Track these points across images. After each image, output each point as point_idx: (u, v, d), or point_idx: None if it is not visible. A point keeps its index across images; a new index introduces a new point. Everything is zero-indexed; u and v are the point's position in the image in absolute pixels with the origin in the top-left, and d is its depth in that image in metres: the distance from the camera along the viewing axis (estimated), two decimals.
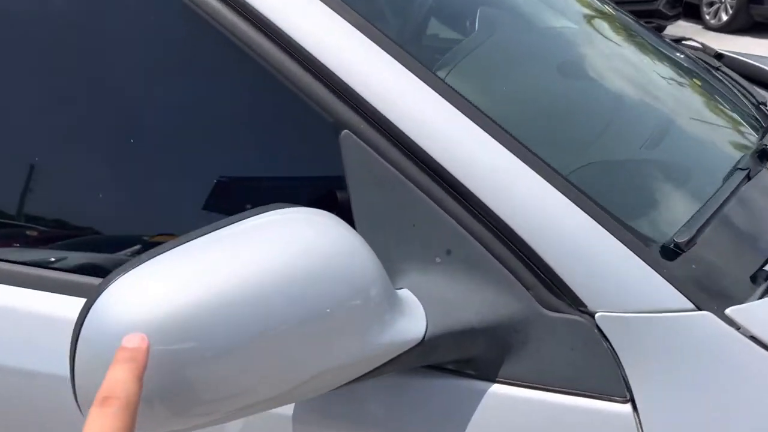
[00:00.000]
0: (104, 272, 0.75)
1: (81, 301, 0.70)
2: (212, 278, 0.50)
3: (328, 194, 0.71)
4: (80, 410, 0.50)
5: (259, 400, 0.53)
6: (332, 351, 0.55)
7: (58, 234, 0.80)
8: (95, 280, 0.73)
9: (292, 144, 0.73)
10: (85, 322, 0.48)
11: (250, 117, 0.74)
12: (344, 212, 0.64)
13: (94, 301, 0.49)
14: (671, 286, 0.63)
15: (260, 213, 0.57)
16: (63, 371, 0.68)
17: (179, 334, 0.49)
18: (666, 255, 0.67)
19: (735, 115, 1.07)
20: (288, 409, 0.66)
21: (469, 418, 0.63)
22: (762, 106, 1.13)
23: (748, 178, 0.83)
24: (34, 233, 0.82)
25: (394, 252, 0.66)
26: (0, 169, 0.79)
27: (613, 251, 0.64)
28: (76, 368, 0.48)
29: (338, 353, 0.55)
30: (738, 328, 0.62)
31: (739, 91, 1.19)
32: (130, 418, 0.40)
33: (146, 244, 0.75)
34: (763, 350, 0.61)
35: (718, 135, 1.00)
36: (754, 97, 1.16)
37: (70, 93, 0.77)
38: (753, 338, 0.62)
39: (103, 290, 0.50)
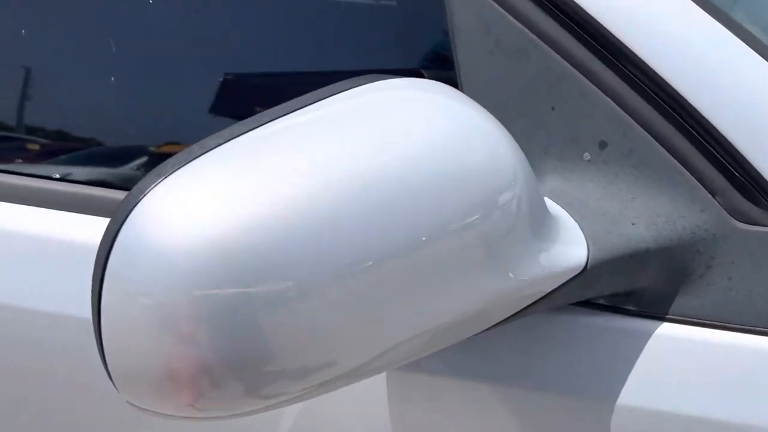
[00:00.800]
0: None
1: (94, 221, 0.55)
2: (302, 183, 0.32)
3: (425, 64, 0.52)
4: (114, 384, 0.33)
5: (365, 363, 0.37)
6: (454, 293, 0.38)
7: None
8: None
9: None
10: (110, 258, 0.31)
11: None
12: None
13: (122, 223, 0.31)
14: None
15: (348, 87, 0.38)
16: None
17: (248, 270, 0.31)
18: None
19: None
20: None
21: (630, 368, 0.47)
22: None
23: None
24: (36, 145, 0.70)
25: (525, 147, 0.47)
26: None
27: None
28: (104, 329, 0.31)
29: (462, 296, 0.39)
30: None
31: None
32: None
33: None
34: None
35: None
36: None
37: None
38: None
39: (135, 205, 0.32)
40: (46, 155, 0.71)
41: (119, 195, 0.56)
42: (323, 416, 0.51)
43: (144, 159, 0.66)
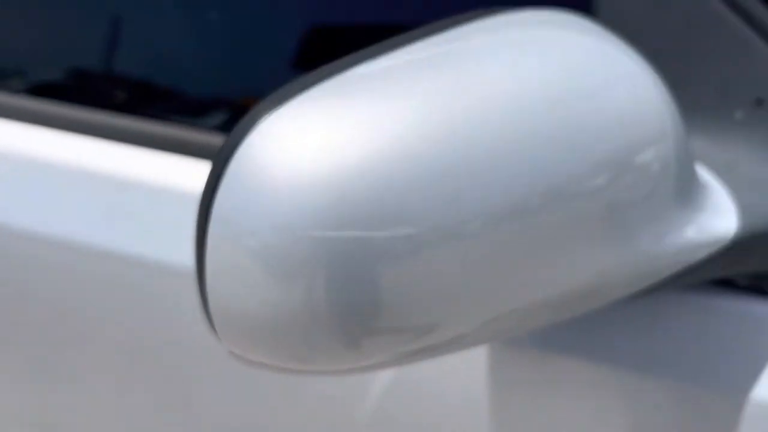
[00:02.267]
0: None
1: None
2: (431, 120, 0.29)
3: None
4: (215, 333, 0.31)
5: (463, 332, 0.33)
6: (589, 255, 0.34)
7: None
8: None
9: None
10: (216, 197, 0.28)
11: None
12: None
13: (231, 154, 0.28)
14: None
15: (473, 19, 0.34)
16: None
17: (369, 213, 0.28)
18: None
19: None
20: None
21: None
22: None
23: None
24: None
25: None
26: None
27: None
28: (208, 273, 0.29)
29: (597, 260, 0.34)
30: None
31: None
32: None
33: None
34: None
35: None
36: None
37: None
38: None
39: (242, 140, 0.29)
40: (142, 98, 0.70)
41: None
42: (421, 390, 0.48)
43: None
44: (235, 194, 0.28)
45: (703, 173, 0.40)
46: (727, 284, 0.43)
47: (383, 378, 0.47)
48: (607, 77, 0.34)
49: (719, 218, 0.37)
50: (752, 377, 0.41)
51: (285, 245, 0.28)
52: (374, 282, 0.28)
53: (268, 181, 0.28)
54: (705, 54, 0.42)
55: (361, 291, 0.28)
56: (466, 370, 0.45)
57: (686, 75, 0.42)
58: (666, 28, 0.42)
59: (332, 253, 0.27)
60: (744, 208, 0.38)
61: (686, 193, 0.36)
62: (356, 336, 0.30)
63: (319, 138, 0.28)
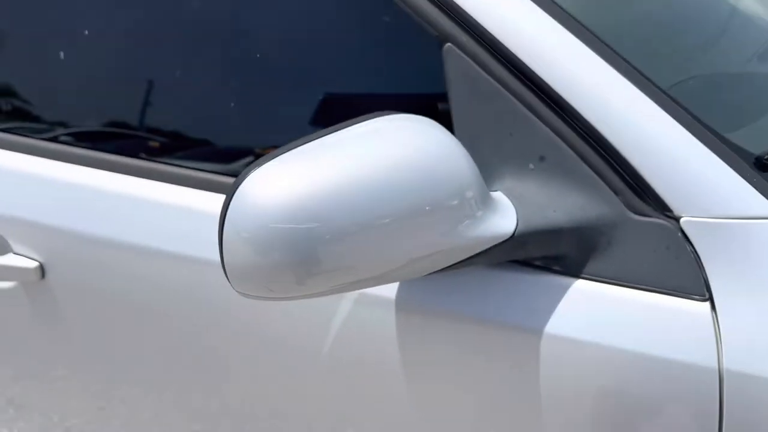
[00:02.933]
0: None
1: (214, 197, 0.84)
2: (333, 172, 0.59)
3: (430, 105, 0.77)
4: (229, 282, 0.61)
5: (364, 277, 0.62)
6: (429, 240, 0.63)
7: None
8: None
9: (396, 57, 0.80)
10: (230, 206, 0.58)
11: (355, 32, 0.81)
12: (445, 122, 0.70)
13: (237, 188, 0.59)
14: (759, 194, 0.65)
15: (370, 119, 0.64)
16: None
17: (306, 216, 0.58)
18: (758, 166, 0.69)
19: None
20: (389, 292, 0.75)
21: (553, 310, 0.70)
22: None
23: None
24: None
25: (491, 158, 0.72)
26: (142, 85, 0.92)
27: (702, 159, 0.67)
28: (224, 246, 0.59)
29: (434, 243, 0.63)
30: None
31: None
32: None
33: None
34: None
35: None
36: None
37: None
38: None
39: (244, 179, 0.59)
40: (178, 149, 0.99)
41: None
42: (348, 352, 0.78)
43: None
44: (237, 208, 0.59)
45: (502, 197, 0.69)
46: (527, 264, 0.72)
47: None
48: (439, 154, 0.63)
49: (505, 220, 0.66)
50: (540, 321, 0.70)
51: (263, 233, 0.58)
52: (310, 249, 0.58)
53: (255, 201, 0.58)
54: (512, 132, 0.71)
55: (303, 253, 0.58)
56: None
57: (502, 143, 0.71)
58: (490, 119, 0.71)
59: (287, 236, 0.57)
60: (523, 218, 0.68)
61: (487, 207, 0.65)
62: (303, 277, 0.60)
63: (281, 181, 0.58)
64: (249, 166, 0.61)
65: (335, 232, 0.58)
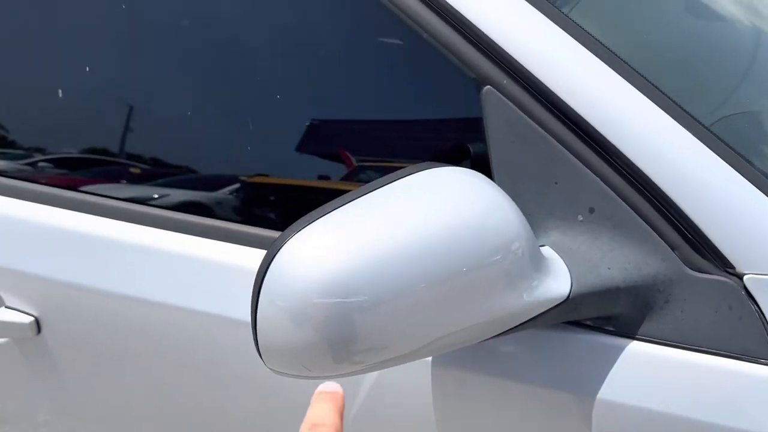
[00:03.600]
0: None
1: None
2: (379, 239, 0.53)
3: (469, 151, 0.71)
4: (261, 359, 0.54)
5: (406, 352, 0.56)
6: (476, 307, 0.57)
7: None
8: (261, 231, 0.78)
9: (435, 100, 0.74)
10: (266, 277, 0.52)
11: (391, 73, 0.75)
12: (485, 169, 0.65)
13: (273, 257, 0.52)
14: None
15: (411, 173, 0.58)
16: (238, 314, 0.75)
17: (345, 288, 0.52)
18: None
19: None
20: (427, 362, 0.69)
21: (606, 373, 0.65)
22: None
23: None
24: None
25: (536, 210, 0.66)
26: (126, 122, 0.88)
27: (764, 211, 0.62)
28: (258, 320, 0.53)
29: (482, 310, 0.57)
30: None
31: None
32: None
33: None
34: None
35: None
36: None
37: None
38: None
39: (280, 247, 0.53)
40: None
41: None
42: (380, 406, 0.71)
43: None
44: (275, 278, 0.52)
45: (554, 255, 0.64)
46: (581, 324, 0.66)
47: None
48: (486, 208, 0.57)
49: (558, 283, 0.61)
50: (596, 383, 0.65)
51: (300, 306, 0.52)
52: (349, 326, 0.52)
53: (293, 272, 0.52)
54: (558, 181, 0.66)
55: (342, 331, 0.52)
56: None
57: (547, 194, 0.66)
58: (534, 166, 0.66)
59: (326, 310, 0.51)
60: (576, 278, 0.62)
61: (538, 267, 0.60)
62: (341, 356, 0.54)
63: (318, 252, 0.52)
64: (286, 230, 0.54)
65: (374, 303, 0.52)
